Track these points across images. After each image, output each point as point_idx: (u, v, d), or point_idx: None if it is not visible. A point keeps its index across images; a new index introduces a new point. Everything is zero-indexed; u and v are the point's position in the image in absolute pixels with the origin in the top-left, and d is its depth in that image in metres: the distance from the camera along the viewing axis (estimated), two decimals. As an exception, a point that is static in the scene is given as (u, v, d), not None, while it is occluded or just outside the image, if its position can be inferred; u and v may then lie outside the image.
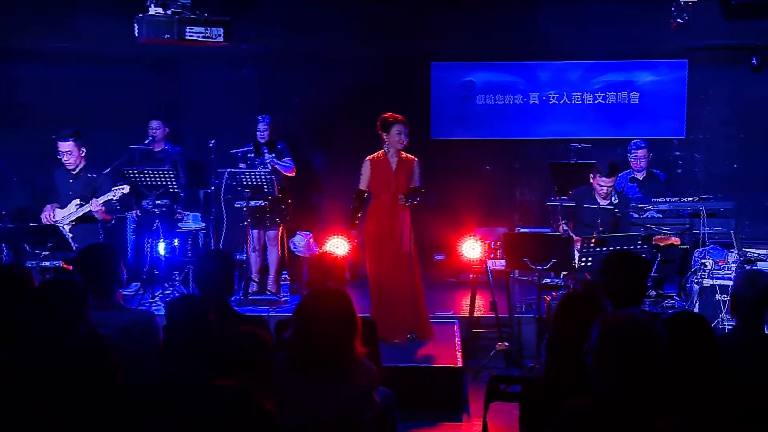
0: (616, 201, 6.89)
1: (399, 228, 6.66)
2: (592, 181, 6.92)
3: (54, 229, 6.77)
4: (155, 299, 7.40)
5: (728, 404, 3.07)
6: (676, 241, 7.35)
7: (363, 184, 6.71)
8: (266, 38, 9.41)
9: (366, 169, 6.67)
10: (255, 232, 7.91)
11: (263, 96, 9.36)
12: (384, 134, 6.65)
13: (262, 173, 7.53)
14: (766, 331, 3.98)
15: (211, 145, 7.98)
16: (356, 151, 8.70)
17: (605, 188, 6.84)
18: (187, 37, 6.92)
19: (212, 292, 4.18)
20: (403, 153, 6.72)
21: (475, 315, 7.19)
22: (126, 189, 7.26)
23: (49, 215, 7.24)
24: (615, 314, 2.76)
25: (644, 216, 7.54)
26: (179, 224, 8.15)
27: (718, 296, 6.36)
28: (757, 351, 3.62)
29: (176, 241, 8.02)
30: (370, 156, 6.69)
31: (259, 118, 7.95)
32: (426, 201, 7.04)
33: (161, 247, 7.64)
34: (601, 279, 4.05)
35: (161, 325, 3.76)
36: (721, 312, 6.20)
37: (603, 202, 6.86)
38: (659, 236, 7.31)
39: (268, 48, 9.39)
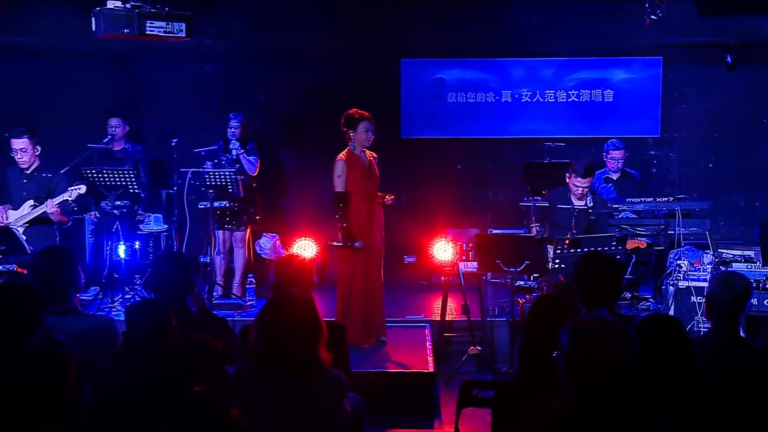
0: (591, 204, 6.93)
1: (375, 228, 6.65)
2: (567, 181, 6.98)
3: (7, 232, 6.68)
4: (115, 304, 7.33)
5: (703, 407, 3.10)
6: (642, 244, 7.44)
7: (342, 186, 6.60)
8: (230, 34, 9.36)
9: (342, 170, 6.60)
10: (220, 233, 7.87)
11: (227, 94, 9.31)
12: (350, 131, 6.61)
13: (227, 173, 7.49)
14: (741, 334, 4.04)
15: (173, 144, 7.91)
16: (325, 151, 8.66)
17: (581, 189, 6.89)
18: (148, 32, 6.85)
19: (170, 296, 4.14)
20: (367, 150, 6.72)
21: (447, 318, 7.19)
22: (82, 189, 7.18)
23: (2, 217, 7.14)
24: (583, 317, 2.78)
25: (619, 216, 7.62)
26: (140, 226, 8.09)
27: (693, 298, 6.42)
28: (733, 354, 3.66)
29: (137, 243, 7.95)
30: (341, 155, 6.65)
31: (231, 115, 7.92)
32: (395, 201, 7.04)
33: (121, 250, 7.57)
34: (573, 281, 4.08)
35: (121, 331, 3.73)
36: (697, 314, 6.27)
37: (578, 203, 6.91)
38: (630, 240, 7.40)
39: (232, 44, 9.35)
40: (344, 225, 6.57)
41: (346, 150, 6.65)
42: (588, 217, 6.84)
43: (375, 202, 6.68)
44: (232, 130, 7.86)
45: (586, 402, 2.63)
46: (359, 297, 6.60)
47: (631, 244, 7.40)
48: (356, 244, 6.53)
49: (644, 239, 7.55)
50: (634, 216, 7.68)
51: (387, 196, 6.73)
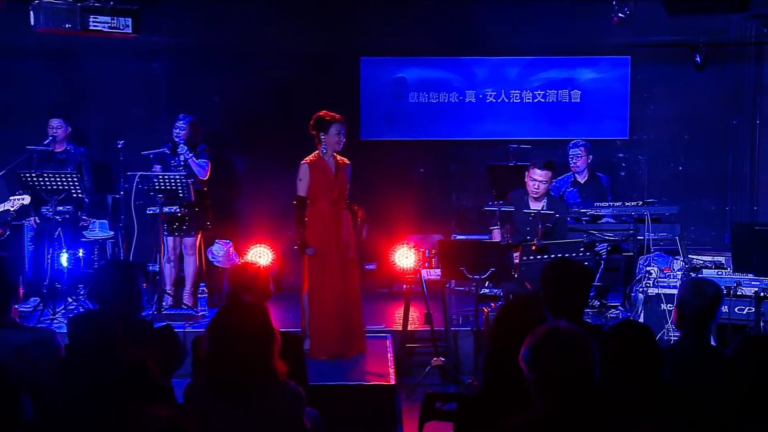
0: (546, 208, 6.94)
1: (344, 235, 6.63)
2: (526, 178, 7.00)
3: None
4: (56, 316, 7.22)
5: (673, 416, 3.15)
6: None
7: (303, 190, 6.61)
8: (180, 30, 9.29)
9: (305, 174, 6.59)
10: (170, 240, 7.80)
11: (177, 93, 9.24)
12: (321, 134, 6.60)
13: (177, 176, 7.43)
14: (712, 342, 4.09)
15: (119, 146, 7.83)
16: (281, 153, 8.68)
17: (537, 182, 6.90)
18: (91, 27, 6.79)
19: (114, 307, 4.09)
20: (337, 155, 6.70)
21: (409, 328, 7.20)
22: (26, 200, 7.09)
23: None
24: (542, 327, 2.80)
25: (589, 221, 7.68)
26: (84, 233, 7.99)
27: (663, 305, 6.49)
28: (703, 362, 3.71)
29: (81, 251, 7.86)
30: (307, 159, 6.63)
31: (180, 116, 7.87)
32: (371, 209, 7.04)
33: (64, 258, 7.46)
34: (541, 288, 4.11)
35: (63, 345, 3.68)
36: (667, 322, 6.35)
37: (536, 205, 6.94)
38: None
39: (182, 41, 9.28)
40: (300, 230, 6.57)
41: (314, 153, 6.64)
42: (545, 222, 6.85)
43: (341, 209, 6.66)
44: (178, 131, 7.80)
45: (552, 415, 2.65)
46: (326, 308, 6.57)
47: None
48: (308, 250, 6.54)
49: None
50: (613, 221, 7.74)
51: (359, 212, 6.70)
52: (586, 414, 2.64)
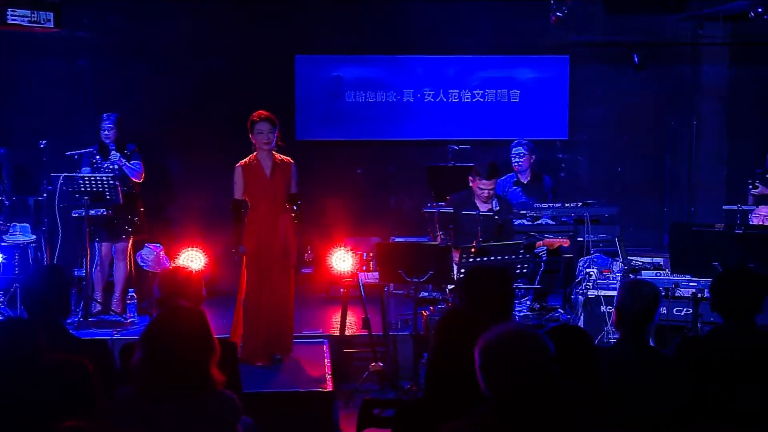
0: (497, 208, 7.06)
1: (281, 240, 6.59)
2: (471, 184, 7.08)
3: None
4: (-24, 325, 7.05)
5: (611, 418, 3.22)
6: (565, 242, 7.59)
7: (238, 193, 6.58)
8: (106, 25, 9.17)
9: (238, 177, 6.56)
10: (98, 245, 7.69)
11: (104, 91, 9.11)
12: (250, 135, 6.59)
13: (104, 178, 7.33)
14: (651, 344, 4.19)
15: (41, 146, 7.70)
16: (214, 154, 8.63)
17: (486, 191, 7.00)
18: (10, 21, 6.66)
19: (42, 314, 4.03)
20: (279, 155, 6.66)
21: (347, 333, 7.22)
22: None
23: None
24: (500, 327, 2.83)
25: (532, 223, 7.78)
26: (4, 237, 7.85)
27: (603, 308, 6.60)
28: (642, 364, 3.80)
29: (1, 256, 7.69)
30: (241, 161, 6.61)
31: (104, 116, 7.75)
32: (305, 210, 6.99)
33: (-18, 264, 7.31)
34: (461, 298, 4.16)
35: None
36: (607, 324, 6.45)
37: (484, 208, 7.02)
38: (548, 239, 7.54)
39: (109, 37, 9.16)
40: (233, 230, 6.55)
41: (251, 155, 6.61)
42: (495, 222, 6.94)
43: (279, 212, 6.62)
44: (106, 132, 7.70)
45: (505, 417, 2.69)
46: (260, 314, 6.54)
47: (552, 244, 7.54)
48: (240, 248, 6.54)
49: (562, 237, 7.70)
50: (552, 222, 7.85)
51: (293, 211, 6.66)
52: (543, 415, 2.69)
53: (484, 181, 6.96)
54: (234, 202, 6.61)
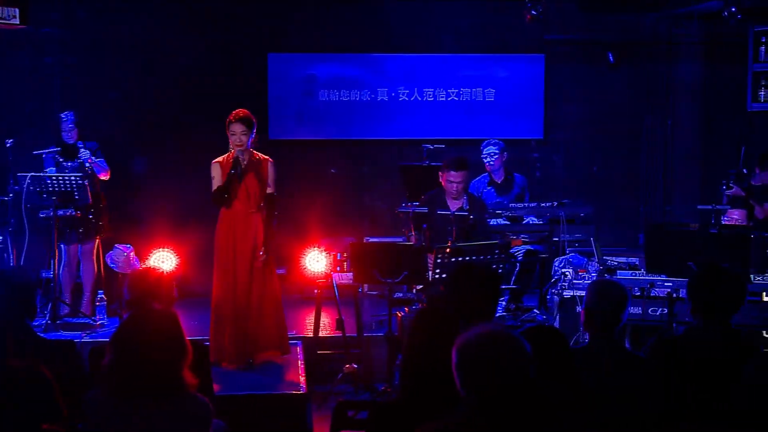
0: (467, 207, 7.06)
1: (252, 239, 6.56)
2: (441, 180, 7.09)
3: None
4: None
5: (586, 418, 3.24)
6: (518, 242, 7.64)
7: (215, 188, 6.56)
8: (73, 22, 9.09)
9: (216, 172, 6.53)
10: (64, 246, 7.63)
11: (71, 89, 9.03)
12: (227, 133, 6.57)
13: (73, 178, 7.27)
14: (625, 344, 4.22)
15: (8, 145, 7.66)
16: (185, 154, 8.59)
17: (455, 185, 7.00)
18: (-26, 18, 6.57)
19: (8, 317, 4.00)
20: (258, 154, 6.63)
21: (321, 335, 7.21)
22: None
23: None
24: (478, 328, 2.84)
25: (505, 222, 7.81)
26: (-31, 238, 7.76)
27: (579, 308, 6.64)
28: (613, 364, 3.83)
29: (-34, 258, 7.62)
30: (218, 158, 6.58)
31: (62, 116, 7.69)
32: (280, 211, 6.95)
33: (-54, 266, 7.22)
34: (446, 294, 4.16)
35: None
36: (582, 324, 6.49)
37: (455, 206, 7.03)
38: (513, 239, 7.58)
39: (76, 33, 9.08)
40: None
41: (229, 153, 6.57)
42: (467, 221, 6.95)
43: (252, 211, 6.58)
44: (69, 134, 7.64)
45: (483, 417, 2.70)
46: (231, 314, 6.50)
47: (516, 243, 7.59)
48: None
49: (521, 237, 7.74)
50: (527, 222, 7.88)
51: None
52: (522, 416, 2.70)
53: (452, 172, 6.97)
54: (215, 192, 6.53)
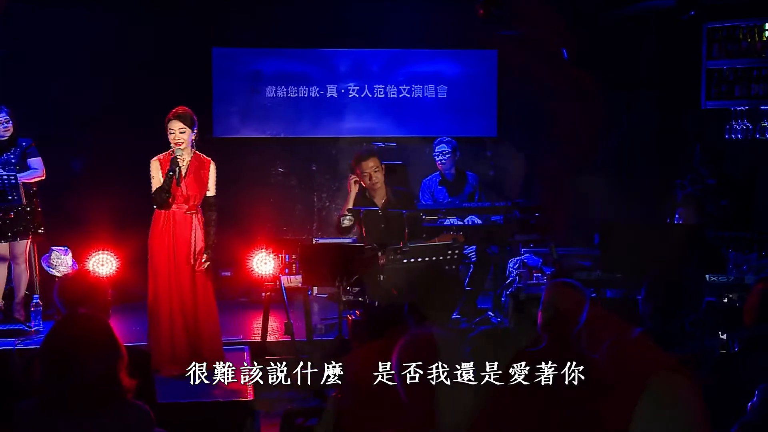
0: (393, 199, 7.02)
1: (190, 241, 6.48)
2: (359, 179, 7.03)
3: None
4: None
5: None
6: (459, 238, 7.65)
7: (155, 188, 6.48)
8: (6, 13, 8.91)
9: (155, 171, 6.44)
10: (-2, 247, 7.52)
11: (6, 86, 8.84)
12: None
13: (6, 176, 7.15)
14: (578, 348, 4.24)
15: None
16: (125, 153, 8.47)
17: (369, 173, 6.97)
18: None
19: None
20: (199, 154, 6.55)
21: (269, 339, 7.18)
22: None
23: None
24: (408, 339, 2.87)
25: (464, 222, 7.83)
26: None
27: (534, 309, 6.67)
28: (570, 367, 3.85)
29: None
30: (158, 156, 6.49)
31: None
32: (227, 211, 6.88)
33: None
34: (407, 295, 4.17)
35: None
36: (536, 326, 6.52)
37: (378, 199, 7.01)
38: (443, 234, 7.54)
39: (10, 26, 8.91)
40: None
41: (169, 151, 6.49)
42: (385, 217, 6.93)
43: (190, 213, 6.51)
44: (5, 130, 7.50)
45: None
46: (168, 318, 6.43)
47: (444, 238, 7.57)
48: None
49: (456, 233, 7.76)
50: (480, 221, 7.91)
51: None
52: None
53: (364, 163, 6.97)
54: (155, 192, 6.41)
